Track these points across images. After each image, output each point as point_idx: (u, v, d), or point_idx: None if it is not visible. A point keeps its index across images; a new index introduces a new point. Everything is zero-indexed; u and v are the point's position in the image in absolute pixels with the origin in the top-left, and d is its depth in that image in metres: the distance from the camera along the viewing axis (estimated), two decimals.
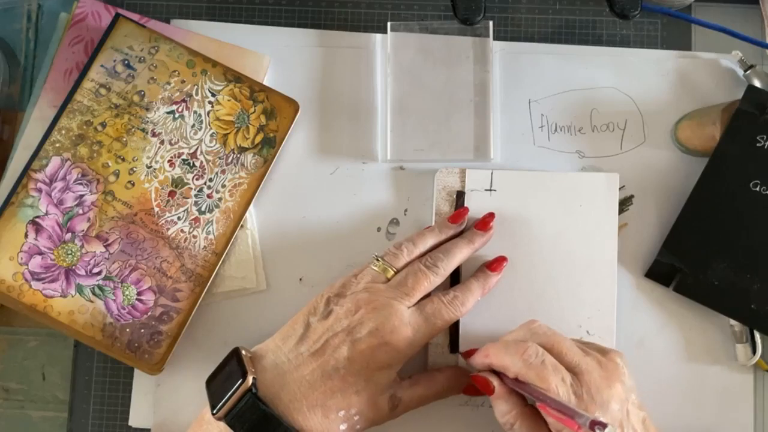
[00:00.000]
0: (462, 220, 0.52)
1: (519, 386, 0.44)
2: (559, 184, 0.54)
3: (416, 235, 0.51)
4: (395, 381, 0.47)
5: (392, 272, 0.49)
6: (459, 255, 0.50)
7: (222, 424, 0.44)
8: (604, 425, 0.37)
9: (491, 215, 0.52)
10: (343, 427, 0.45)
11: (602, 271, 0.53)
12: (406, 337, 0.46)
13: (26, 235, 0.52)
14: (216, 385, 0.46)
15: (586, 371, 0.43)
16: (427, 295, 0.49)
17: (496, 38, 0.57)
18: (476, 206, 0.53)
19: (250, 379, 0.44)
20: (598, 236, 0.53)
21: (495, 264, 0.52)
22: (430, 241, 0.51)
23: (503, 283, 0.52)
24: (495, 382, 0.45)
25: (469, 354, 0.48)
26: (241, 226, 0.54)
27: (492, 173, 0.54)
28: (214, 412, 0.44)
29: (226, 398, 0.44)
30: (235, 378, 0.44)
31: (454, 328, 0.52)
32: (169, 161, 0.53)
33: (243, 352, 0.46)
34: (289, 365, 0.45)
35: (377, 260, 0.49)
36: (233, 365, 0.45)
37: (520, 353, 0.44)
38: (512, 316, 0.52)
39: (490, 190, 0.54)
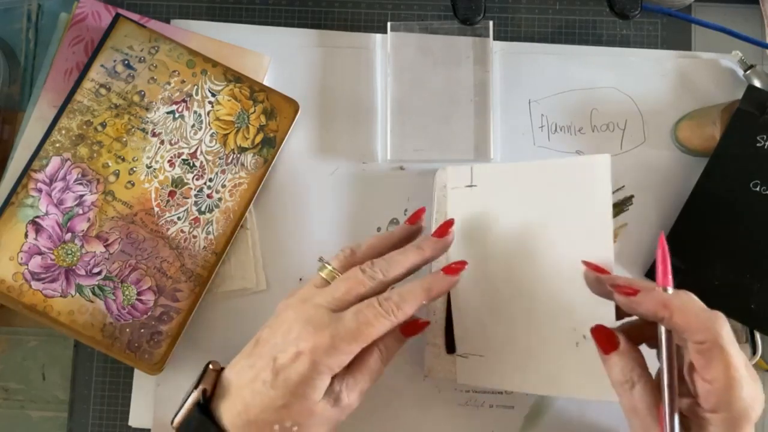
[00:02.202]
0: (418, 221, 0.49)
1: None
2: (543, 173, 0.48)
3: (366, 240, 0.48)
4: (329, 385, 0.44)
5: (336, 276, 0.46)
6: (403, 262, 0.46)
7: None
8: None
9: (450, 222, 0.48)
10: None
11: None
12: (325, 347, 0.43)
13: (26, 235, 0.52)
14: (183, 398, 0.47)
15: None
16: None
17: (496, 38, 0.57)
18: (458, 204, 0.51)
19: (198, 391, 0.45)
20: (590, 229, 0.46)
21: (451, 267, 0.46)
22: (379, 247, 0.48)
23: (495, 285, 0.49)
24: (621, 337, 0.42)
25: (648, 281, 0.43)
26: (241, 226, 0.54)
27: (472, 168, 0.51)
28: (171, 421, 0.45)
29: (179, 408, 0.45)
30: (190, 390, 0.45)
31: (449, 328, 0.52)
32: (169, 161, 0.53)
33: (211, 366, 0.46)
34: (237, 380, 0.45)
35: (325, 265, 0.47)
36: (198, 378, 0.46)
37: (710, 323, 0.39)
38: (505, 319, 0.50)
39: (471, 186, 0.51)
